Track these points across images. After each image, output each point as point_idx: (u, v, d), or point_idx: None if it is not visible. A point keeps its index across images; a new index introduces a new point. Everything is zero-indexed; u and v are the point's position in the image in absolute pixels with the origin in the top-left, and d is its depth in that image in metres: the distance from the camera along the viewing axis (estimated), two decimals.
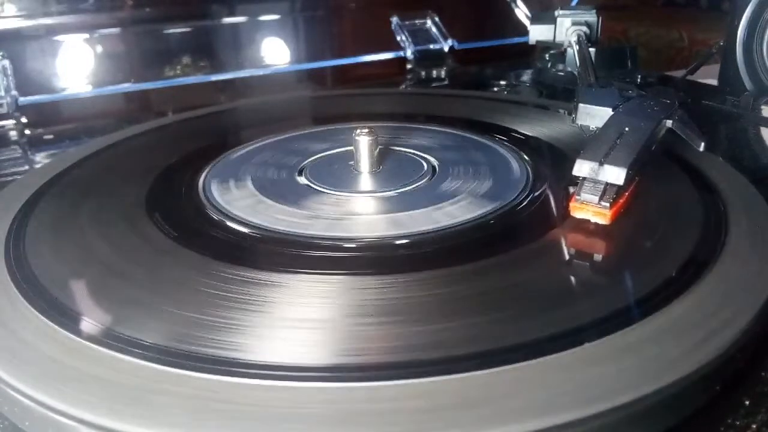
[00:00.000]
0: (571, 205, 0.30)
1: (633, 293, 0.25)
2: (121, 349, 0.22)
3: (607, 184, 0.29)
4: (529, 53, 0.74)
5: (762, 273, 0.25)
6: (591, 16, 0.58)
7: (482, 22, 0.85)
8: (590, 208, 0.30)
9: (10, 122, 0.56)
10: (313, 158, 0.40)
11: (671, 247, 0.28)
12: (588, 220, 0.30)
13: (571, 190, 0.30)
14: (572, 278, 0.27)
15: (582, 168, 0.30)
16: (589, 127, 0.38)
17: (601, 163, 0.30)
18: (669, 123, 0.34)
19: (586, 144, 0.32)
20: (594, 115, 0.37)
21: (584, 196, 0.30)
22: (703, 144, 0.34)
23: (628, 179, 0.29)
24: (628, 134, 0.32)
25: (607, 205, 0.29)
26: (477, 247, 0.29)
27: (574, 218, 0.30)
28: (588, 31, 0.58)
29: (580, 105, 0.38)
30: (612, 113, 0.35)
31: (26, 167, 0.48)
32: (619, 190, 0.30)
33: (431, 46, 0.76)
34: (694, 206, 0.32)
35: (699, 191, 0.33)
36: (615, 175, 0.29)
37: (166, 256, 0.28)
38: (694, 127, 0.35)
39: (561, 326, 0.22)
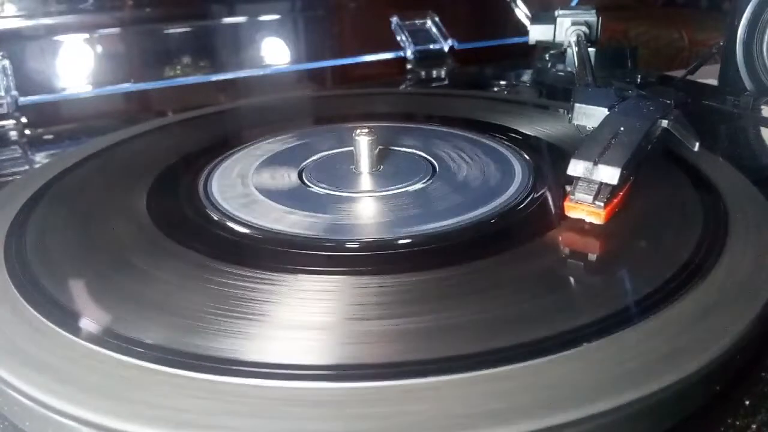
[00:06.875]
0: (566, 204, 0.30)
1: (632, 293, 0.25)
2: (121, 350, 0.22)
3: (601, 183, 0.29)
4: (529, 53, 0.74)
5: (762, 273, 0.25)
6: (591, 16, 0.58)
7: (482, 22, 0.85)
8: (584, 208, 0.30)
9: (10, 122, 0.56)
10: (313, 158, 0.40)
11: (671, 247, 0.28)
12: (583, 220, 0.30)
13: (567, 189, 0.30)
14: (571, 278, 0.27)
15: (576, 167, 0.30)
16: (585, 126, 0.38)
17: (596, 163, 0.30)
18: (664, 123, 0.34)
19: (580, 143, 0.32)
20: (590, 115, 0.37)
21: (578, 195, 0.30)
22: (697, 144, 0.34)
23: (623, 179, 0.29)
24: (623, 134, 0.32)
25: (602, 204, 0.29)
26: (476, 247, 0.29)
27: (573, 218, 0.30)
28: (588, 31, 0.58)
29: (576, 105, 0.38)
30: (608, 113, 0.35)
31: (26, 167, 0.48)
32: (614, 189, 0.30)
33: (431, 46, 0.76)
34: (694, 206, 0.32)
35: (699, 191, 0.33)
36: (609, 174, 0.29)
37: (167, 256, 0.28)
38: (690, 127, 0.35)
39: (560, 326, 0.22)
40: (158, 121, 0.51)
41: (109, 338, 0.22)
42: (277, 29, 0.72)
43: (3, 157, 0.50)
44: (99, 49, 0.63)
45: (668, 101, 0.36)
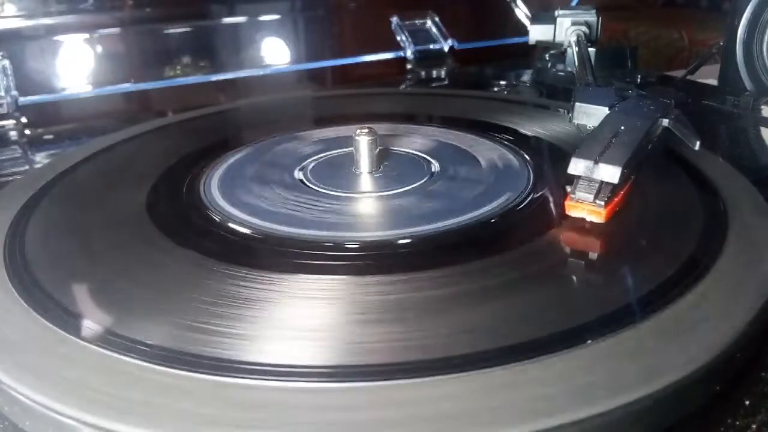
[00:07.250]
0: (567, 203, 0.30)
1: (633, 292, 0.25)
2: (122, 349, 0.22)
3: (602, 182, 0.29)
4: (529, 53, 0.74)
5: (762, 273, 0.25)
6: (591, 16, 0.58)
7: (482, 22, 0.85)
8: (585, 207, 0.30)
9: (10, 122, 0.56)
10: (313, 159, 0.40)
11: (671, 246, 0.28)
12: (584, 219, 0.30)
13: (568, 188, 0.30)
14: (571, 277, 0.27)
15: (577, 166, 0.30)
16: (586, 126, 0.38)
17: (596, 162, 0.30)
18: (665, 122, 0.34)
19: (581, 142, 0.32)
20: (591, 114, 0.37)
21: (579, 194, 0.30)
22: (698, 143, 0.34)
23: (624, 178, 0.29)
24: (624, 133, 0.32)
25: (602, 203, 0.29)
26: (476, 247, 0.29)
27: (573, 217, 0.30)
28: (588, 31, 0.58)
29: (577, 104, 0.38)
30: (608, 112, 0.35)
31: (26, 167, 0.48)
32: (615, 188, 0.30)
33: (431, 46, 0.76)
34: (694, 206, 0.32)
35: (699, 191, 0.33)
36: (610, 173, 0.29)
37: (167, 257, 0.28)
38: (690, 126, 0.35)
39: (560, 326, 0.22)
40: (158, 121, 0.51)
41: (109, 338, 0.22)
42: (277, 29, 0.72)
43: (3, 157, 0.50)
44: (99, 49, 0.63)
45: (668, 101, 0.36)
